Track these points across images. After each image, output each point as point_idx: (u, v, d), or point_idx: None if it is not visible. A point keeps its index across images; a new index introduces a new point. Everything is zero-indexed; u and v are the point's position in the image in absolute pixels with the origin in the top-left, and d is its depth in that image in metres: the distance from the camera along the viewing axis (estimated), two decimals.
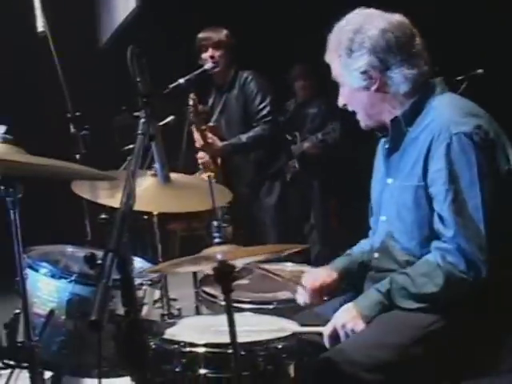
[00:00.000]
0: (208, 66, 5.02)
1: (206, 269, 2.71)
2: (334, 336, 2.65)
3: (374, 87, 2.66)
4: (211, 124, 5.18)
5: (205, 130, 5.00)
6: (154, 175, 3.10)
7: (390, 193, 2.74)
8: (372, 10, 2.70)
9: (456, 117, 2.54)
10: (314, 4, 6.74)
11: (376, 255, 2.81)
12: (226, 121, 5.21)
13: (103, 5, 8.89)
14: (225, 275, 2.42)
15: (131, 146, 6.87)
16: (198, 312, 3.69)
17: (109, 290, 1.67)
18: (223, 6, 6.75)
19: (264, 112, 5.07)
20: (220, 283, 2.45)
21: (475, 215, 2.45)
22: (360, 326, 2.60)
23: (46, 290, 2.95)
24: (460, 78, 6.22)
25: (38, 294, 2.94)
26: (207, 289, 3.38)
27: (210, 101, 5.33)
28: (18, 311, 2.91)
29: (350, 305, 2.67)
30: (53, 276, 2.95)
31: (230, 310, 2.43)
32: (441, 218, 2.52)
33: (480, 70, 6.15)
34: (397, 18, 2.66)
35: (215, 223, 2.73)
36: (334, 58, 2.70)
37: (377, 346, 2.52)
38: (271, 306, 3.17)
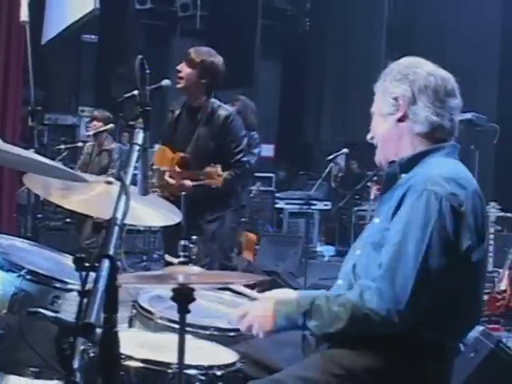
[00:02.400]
0: (165, 82, 4.96)
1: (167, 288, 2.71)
2: (242, 320, 2.76)
3: (397, 115, 2.75)
4: (182, 154, 5.09)
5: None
6: (109, 182, 3.11)
7: (370, 230, 2.82)
8: (426, 61, 2.84)
9: (438, 177, 2.60)
10: None
11: (339, 281, 2.88)
12: (195, 151, 5.12)
13: (52, 3, 8.78)
14: (183, 297, 2.44)
15: (63, 147, 6.79)
16: (130, 325, 3.63)
17: (102, 296, 1.66)
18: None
19: (238, 157, 5.04)
20: (177, 303, 2.47)
21: (409, 271, 2.50)
22: (267, 327, 2.67)
23: None
24: None
25: None
26: (144, 304, 3.35)
27: (176, 113, 5.25)
28: None
29: (271, 303, 2.72)
30: (0, 267, 2.89)
31: (182, 331, 2.45)
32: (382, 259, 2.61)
33: None
34: (445, 72, 2.79)
35: (182, 242, 2.75)
36: (379, 84, 2.83)
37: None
38: (208, 332, 3.16)
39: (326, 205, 11.92)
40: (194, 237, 3.00)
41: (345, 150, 8.29)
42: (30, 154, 2.48)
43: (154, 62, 5.18)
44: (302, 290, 5.97)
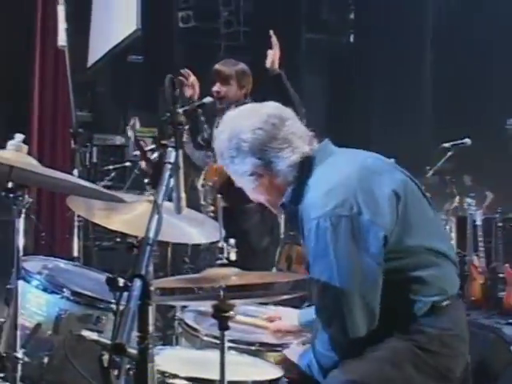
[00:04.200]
0: (207, 100, 4.97)
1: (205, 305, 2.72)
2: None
3: (266, 181, 2.71)
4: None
5: None
6: (150, 201, 3.13)
7: None
8: (242, 109, 2.79)
9: (316, 198, 2.57)
10: None
11: None
12: None
13: (97, 23, 8.91)
14: (223, 313, 2.46)
15: (111, 167, 6.85)
16: (177, 342, 3.66)
17: (134, 316, 1.67)
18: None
19: None
20: (218, 320, 2.48)
21: (335, 298, 2.53)
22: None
23: (35, 303, 2.92)
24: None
25: (26, 305, 2.90)
26: (189, 321, 3.37)
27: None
28: (3, 320, 2.88)
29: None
30: (44, 289, 2.93)
31: (223, 347, 2.47)
32: None
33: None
34: (265, 110, 2.72)
35: (220, 244, 2.76)
36: (224, 166, 2.78)
37: None
38: (253, 348, 3.16)
39: None
40: (232, 240, 3.00)
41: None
42: (68, 176, 2.51)
43: (199, 80, 5.21)
44: None
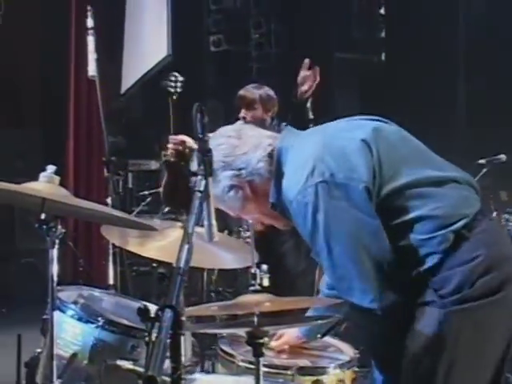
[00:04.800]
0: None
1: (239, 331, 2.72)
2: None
3: (248, 191, 2.72)
4: None
5: None
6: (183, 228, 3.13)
7: None
8: None
9: (289, 181, 2.58)
10: None
11: None
12: None
13: (130, 50, 9.01)
14: (257, 340, 2.46)
15: (146, 192, 6.89)
16: (213, 369, 3.67)
17: (166, 347, 1.67)
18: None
19: None
20: (252, 346, 2.48)
21: (343, 265, 2.49)
22: None
23: (71, 333, 2.93)
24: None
25: (62, 335, 2.92)
26: (225, 347, 3.37)
27: None
28: (39, 350, 2.90)
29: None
30: (79, 319, 2.94)
31: (258, 374, 2.47)
32: None
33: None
34: (223, 130, 2.81)
35: (253, 270, 2.76)
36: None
37: None
38: (290, 372, 3.15)
39: None
40: (265, 266, 2.99)
41: None
42: (99, 206, 2.53)
43: (231, 103, 5.22)
44: None
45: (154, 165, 9.76)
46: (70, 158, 7.64)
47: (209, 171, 2.23)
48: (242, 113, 5.03)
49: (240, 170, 2.69)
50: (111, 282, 4.19)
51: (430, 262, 2.46)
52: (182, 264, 1.90)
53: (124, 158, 9.73)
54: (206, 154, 2.27)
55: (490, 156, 6.34)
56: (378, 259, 2.46)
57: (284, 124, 2.74)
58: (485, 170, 6.33)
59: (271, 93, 5.11)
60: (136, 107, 10.82)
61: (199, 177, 2.22)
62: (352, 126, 2.71)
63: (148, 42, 8.19)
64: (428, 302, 2.47)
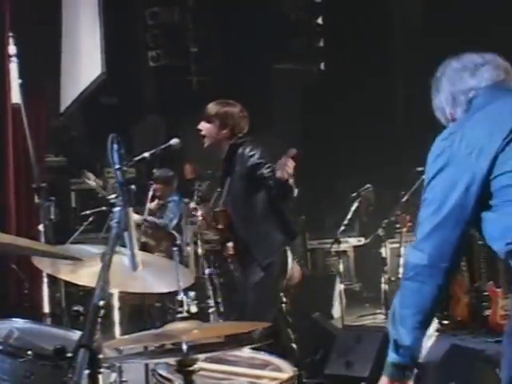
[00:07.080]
0: (173, 141, 4.90)
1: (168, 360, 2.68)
2: None
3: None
4: (219, 209, 5.05)
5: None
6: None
7: None
8: None
9: None
10: None
11: None
12: (232, 201, 5.01)
13: (66, 69, 8.89)
14: (187, 367, 2.44)
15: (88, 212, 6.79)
16: None
17: None
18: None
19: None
20: (182, 374, 2.46)
21: None
22: None
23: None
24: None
25: None
26: (162, 372, 3.32)
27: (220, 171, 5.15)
28: None
29: None
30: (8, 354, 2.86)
31: None
32: None
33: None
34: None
35: (179, 297, 2.73)
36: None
37: None
38: None
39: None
40: (192, 292, 2.96)
41: (368, 185, 8.19)
42: (18, 240, 2.48)
43: (172, 117, 5.18)
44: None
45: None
46: None
47: (127, 202, 2.20)
48: (200, 125, 4.95)
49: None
50: (46, 310, 4.11)
51: None
52: (95, 300, 1.86)
53: (66, 177, 9.64)
54: (124, 184, 2.24)
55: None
56: None
57: None
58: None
59: (234, 115, 4.95)
60: (76, 126, 10.74)
61: (118, 208, 2.20)
62: None
63: (83, 60, 8.09)
64: None
